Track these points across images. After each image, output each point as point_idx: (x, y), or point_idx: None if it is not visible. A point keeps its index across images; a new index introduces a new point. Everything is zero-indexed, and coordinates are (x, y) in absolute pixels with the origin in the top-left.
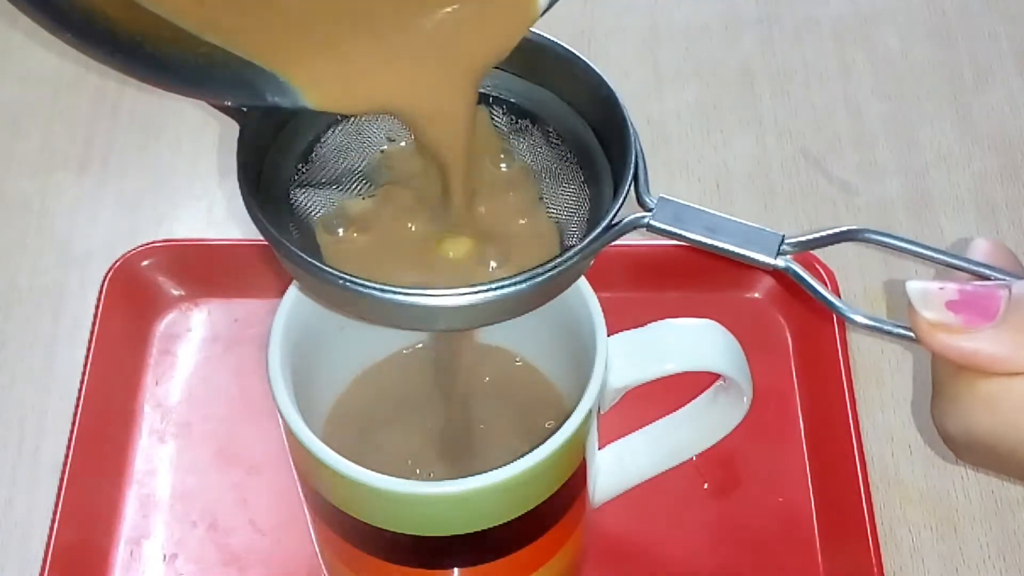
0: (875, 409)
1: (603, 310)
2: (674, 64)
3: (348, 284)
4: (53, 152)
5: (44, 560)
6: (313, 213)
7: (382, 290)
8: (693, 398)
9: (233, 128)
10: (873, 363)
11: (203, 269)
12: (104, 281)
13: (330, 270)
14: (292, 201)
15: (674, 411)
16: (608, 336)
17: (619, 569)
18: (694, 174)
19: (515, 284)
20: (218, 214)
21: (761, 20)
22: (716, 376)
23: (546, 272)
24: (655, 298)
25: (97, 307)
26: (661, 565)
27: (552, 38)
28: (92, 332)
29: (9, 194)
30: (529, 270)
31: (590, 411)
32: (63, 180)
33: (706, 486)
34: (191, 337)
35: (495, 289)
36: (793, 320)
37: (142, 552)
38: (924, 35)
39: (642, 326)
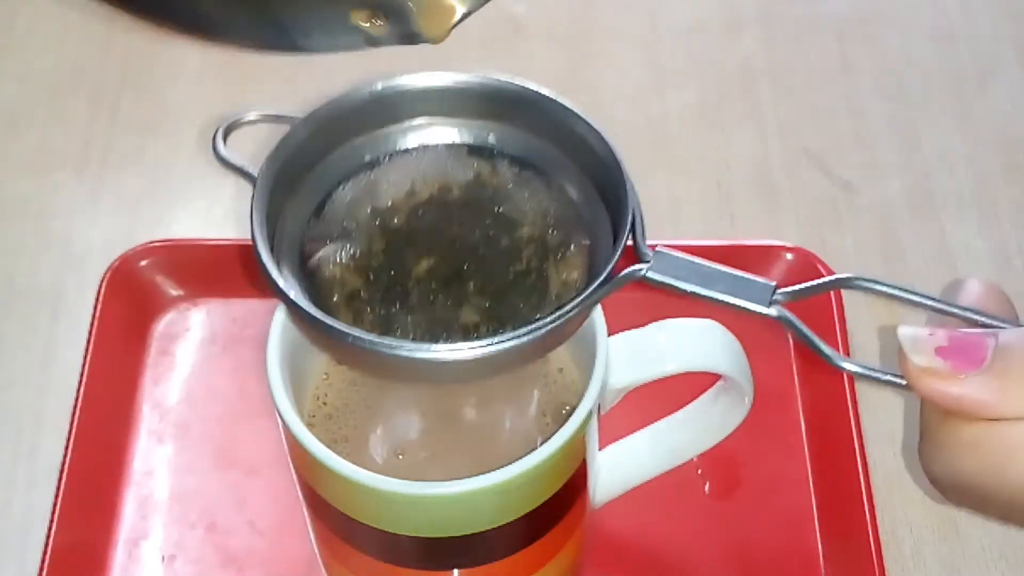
0: (877, 410)
1: (603, 310)
2: (674, 63)
3: (353, 340)
4: (51, 152)
5: (42, 561)
6: (322, 267)
7: (379, 345)
8: (694, 399)
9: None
10: (874, 362)
11: (201, 269)
12: (102, 281)
13: (335, 326)
14: (304, 256)
15: (675, 411)
16: (608, 336)
17: (620, 570)
18: (695, 173)
19: (514, 339)
20: (216, 214)
21: (762, 19)
22: (717, 376)
23: (545, 327)
24: (655, 298)
25: (95, 307)
26: (662, 566)
27: (552, 94)
28: (90, 332)
29: (7, 194)
30: (527, 325)
31: (590, 411)
32: (61, 180)
33: (707, 487)
34: (189, 337)
35: (493, 345)
36: None
37: (140, 553)
38: (926, 34)
39: (642, 326)
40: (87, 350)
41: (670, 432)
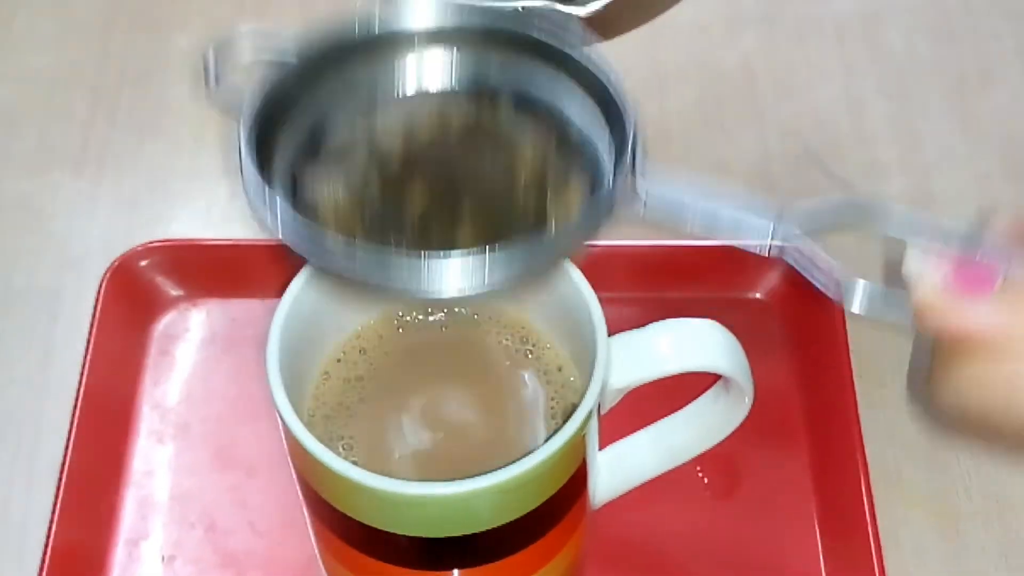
0: (877, 409)
1: (603, 310)
2: (675, 62)
3: (345, 249)
4: (50, 152)
5: (42, 562)
6: (314, 195)
7: (377, 252)
8: (694, 398)
9: (231, 129)
10: (875, 363)
11: (201, 269)
12: (102, 281)
13: (330, 235)
14: (296, 185)
15: (675, 412)
16: (608, 336)
17: (620, 570)
18: (695, 173)
19: (505, 252)
20: (216, 214)
21: (763, 18)
22: (717, 376)
23: (539, 243)
24: (655, 298)
25: (95, 307)
26: (662, 566)
27: (549, 34)
28: (90, 333)
29: (6, 194)
30: (527, 238)
31: (590, 412)
32: (60, 180)
33: (707, 487)
34: (189, 337)
35: (481, 253)
36: (794, 320)
37: (140, 553)
38: (927, 34)
39: (642, 326)
40: (87, 350)
41: (670, 432)
